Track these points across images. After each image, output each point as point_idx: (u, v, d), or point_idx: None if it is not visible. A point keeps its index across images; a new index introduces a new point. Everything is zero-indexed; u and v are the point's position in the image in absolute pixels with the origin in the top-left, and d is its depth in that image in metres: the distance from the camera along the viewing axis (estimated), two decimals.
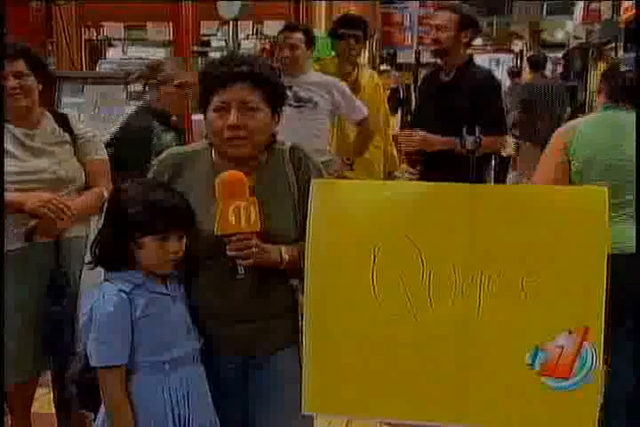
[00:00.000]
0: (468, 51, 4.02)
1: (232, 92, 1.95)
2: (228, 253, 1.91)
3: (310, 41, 4.34)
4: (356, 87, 4.53)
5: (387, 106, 4.94)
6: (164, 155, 2.22)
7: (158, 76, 3.61)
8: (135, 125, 3.65)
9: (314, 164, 2.13)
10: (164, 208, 1.97)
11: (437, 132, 3.97)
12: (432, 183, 1.95)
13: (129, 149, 3.48)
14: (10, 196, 2.65)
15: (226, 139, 1.98)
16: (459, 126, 3.78)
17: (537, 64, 9.53)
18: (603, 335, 1.79)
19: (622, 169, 2.81)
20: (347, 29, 4.70)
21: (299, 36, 4.29)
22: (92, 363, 1.97)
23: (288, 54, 4.21)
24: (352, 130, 4.62)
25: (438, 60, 4.14)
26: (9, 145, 2.76)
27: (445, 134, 3.86)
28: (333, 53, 5.09)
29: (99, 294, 1.98)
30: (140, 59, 7.88)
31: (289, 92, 4.16)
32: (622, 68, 3.06)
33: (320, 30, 7.10)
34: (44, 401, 3.55)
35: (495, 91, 4.06)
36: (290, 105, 4.15)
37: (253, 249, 1.91)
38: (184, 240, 2.00)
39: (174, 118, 3.66)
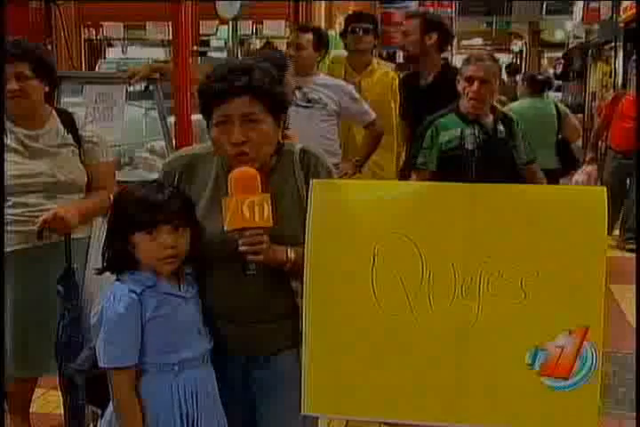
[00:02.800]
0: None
1: (233, 107, 1.93)
2: (240, 248, 1.89)
3: (321, 43, 4.35)
4: (356, 90, 4.52)
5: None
6: (172, 157, 2.21)
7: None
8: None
9: (324, 167, 2.10)
10: (148, 202, 1.96)
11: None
12: (432, 183, 1.95)
13: None
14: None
15: (230, 155, 1.97)
16: None
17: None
18: (602, 335, 1.79)
19: (533, 127, 4.83)
20: (354, 23, 4.72)
21: (308, 36, 4.30)
22: (101, 364, 1.97)
23: (292, 53, 4.22)
24: (358, 131, 4.61)
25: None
26: (10, 145, 2.76)
27: None
28: (341, 53, 5.10)
29: (110, 294, 1.98)
30: (140, 59, 7.88)
31: (298, 93, 4.17)
32: (534, 74, 6.48)
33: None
34: (44, 401, 3.57)
35: None
36: (299, 106, 4.15)
37: (264, 245, 1.91)
38: (182, 235, 1.98)
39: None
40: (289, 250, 1.98)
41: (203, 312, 2.06)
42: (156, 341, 1.97)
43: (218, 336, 2.08)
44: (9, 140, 2.76)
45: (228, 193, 1.89)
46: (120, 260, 2.01)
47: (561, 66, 18.60)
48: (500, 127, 3.60)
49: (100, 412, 2.11)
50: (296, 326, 2.01)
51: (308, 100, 4.21)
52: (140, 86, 4.34)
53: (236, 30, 6.18)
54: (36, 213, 2.76)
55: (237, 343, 2.08)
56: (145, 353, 1.97)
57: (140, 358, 1.97)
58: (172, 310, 1.99)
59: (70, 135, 2.88)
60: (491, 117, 3.59)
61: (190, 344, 2.01)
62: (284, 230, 1.98)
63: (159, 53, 10.00)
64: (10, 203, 2.75)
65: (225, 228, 1.88)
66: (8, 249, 2.74)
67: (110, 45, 10.56)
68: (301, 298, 1.99)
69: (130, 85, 4.25)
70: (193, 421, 2.00)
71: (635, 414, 3.15)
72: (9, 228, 2.74)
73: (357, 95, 4.38)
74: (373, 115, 4.40)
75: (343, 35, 4.87)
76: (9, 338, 2.79)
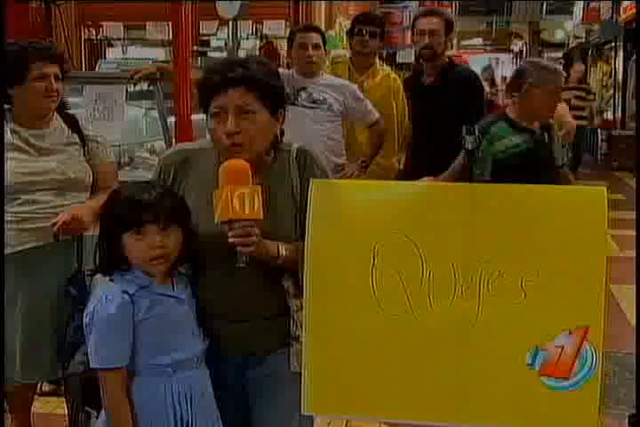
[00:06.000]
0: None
1: (228, 97, 1.94)
2: (230, 239, 1.88)
3: (325, 42, 4.36)
4: (363, 90, 4.52)
5: (405, 109, 4.84)
6: (169, 151, 2.21)
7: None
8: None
9: (319, 166, 2.10)
10: (135, 202, 1.95)
11: (423, 133, 4.02)
12: (432, 183, 1.95)
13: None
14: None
15: (224, 146, 1.97)
16: (444, 126, 3.83)
17: None
18: (602, 335, 1.79)
19: None
20: (362, 25, 4.70)
21: (319, 36, 4.30)
22: (92, 364, 1.96)
23: (312, 53, 4.20)
24: (359, 131, 4.60)
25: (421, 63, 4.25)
26: (16, 144, 2.77)
27: (430, 134, 3.91)
28: (341, 53, 5.07)
29: (101, 294, 1.97)
30: (140, 59, 7.88)
31: (303, 93, 4.16)
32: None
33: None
34: (43, 401, 3.56)
35: (479, 89, 4.12)
36: (304, 106, 4.15)
37: (254, 237, 1.90)
38: (171, 235, 1.97)
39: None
40: (280, 246, 1.98)
41: (197, 312, 2.06)
42: (150, 341, 1.96)
43: (212, 336, 2.07)
44: (13, 140, 2.76)
45: (219, 185, 1.88)
46: (111, 260, 2.01)
47: (561, 66, 18.60)
48: (545, 133, 3.59)
49: (95, 413, 2.10)
50: (288, 325, 2.02)
51: (313, 101, 4.20)
52: (145, 85, 4.33)
53: (236, 30, 6.17)
54: (47, 211, 2.77)
55: (232, 343, 2.08)
56: (138, 354, 1.96)
57: (132, 359, 1.96)
58: (166, 310, 1.98)
59: (75, 135, 2.90)
60: (536, 124, 3.57)
61: (184, 345, 2.01)
62: (278, 228, 1.98)
63: (159, 53, 10.01)
64: (20, 201, 2.75)
65: (215, 219, 1.87)
66: (20, 248, 2.75)
67: (110, 45, 10.57)
68: (294, 298, 2.00)
69: (134, 85, 4.25)
70: (187, 422, 1.99)
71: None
72: (19, 226, 2.75)
73: (361, 95, 4.37)
74: (377, 114, 4.39)
75: (349, 35, 4.86)
76: (18, 341, 2.78)
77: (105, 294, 1.96)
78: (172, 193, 2.03)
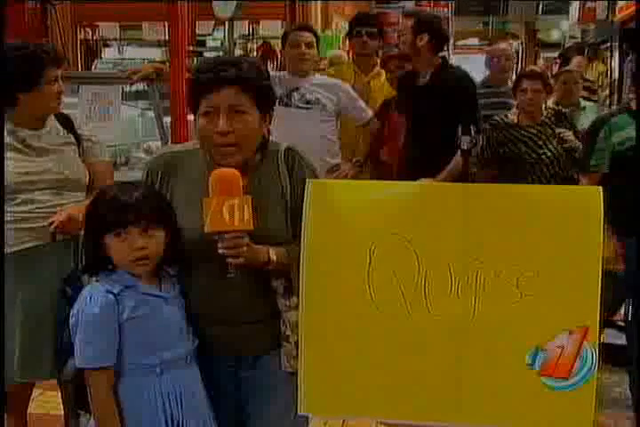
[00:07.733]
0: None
1: (219, 97, 1.94)
2: (220, 251, 1.88)
3: (317, 42, 4.35)
4: (365, 91, 4.52)
5: None
6: (154, 156, 2.21)
7: None
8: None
9: (308, 166, 2.10)
10: (116, 203, 1.95)
11: (418, 134, 4.03)
12: (427, 183, 1.95)
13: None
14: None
15: (215, 145, 1.96)
16: (439, 126, 3.83)
17: None
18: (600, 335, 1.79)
19: None
20: (360, 26, 4.71)
21: (311, 35, 4.30)
22: (78, 364, 1.96)
23: (305, 51, 4.20)
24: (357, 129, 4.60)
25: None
26: (13, 145, 2.76)
27: (425, 135, 3.92)
28: (339, 53, 5.08)
29: (86, 294, 1.97)
30: (136, 59, 7.86)
31: (296, 94, 4.16)
32: None
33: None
34: (41, 401, 3.56)
35: (471, 91, 4.12)
36: (299, 107, 4.14)
37: (244, 248, 1.89)
38: (154, 236, 1.96)
39: None
40: (270, 251, 1.97)
41: (187, 313, 2.05)
42: (136, 341, 1.96)
43: (205, 337, 2.07)
44: (10, 140, 2.76)
45: (209, 193, 1.87)
46: (97, 260, 2.00)
47: (557, 66, 18.61)
48: None
49: (88, 416, 2.09)
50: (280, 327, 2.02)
51: (307, 102, 4.19)
52: (142, 86, 4.33)
53: (233, 30, 6.17)
54: (45, 210, 2.76)
55: (225, 344, 2.07)
56: (125, 354, 1.95)
57: (120, 359, 1.95)
58: (152, 310, 1.97)
59: (70, 135, 2.90)
60: None
61: (172, 345, 2.00)
62: (268, 229, 1.97)
63: (155, 53, 10.01)
64: (18, 200, 2.75)
65: (205, 229, 1.86)
66: (18, 247, 2.74)
67: (106, 45, 10.56)
68: (283, 298, 2.00)
69: (131, 85, 4.24)
70: (178, 422, 1.99)
71: (631, 414, 3.17)
72: (18, 225, 2.74)
73: (355, 94, 4.37)
74: (370, 113, 4.39)
75: (349, 37, 4.87)
76: (18, 340, 2.77)
77: (89, 295, 1.96)
78: (155, 194, 2.02)
